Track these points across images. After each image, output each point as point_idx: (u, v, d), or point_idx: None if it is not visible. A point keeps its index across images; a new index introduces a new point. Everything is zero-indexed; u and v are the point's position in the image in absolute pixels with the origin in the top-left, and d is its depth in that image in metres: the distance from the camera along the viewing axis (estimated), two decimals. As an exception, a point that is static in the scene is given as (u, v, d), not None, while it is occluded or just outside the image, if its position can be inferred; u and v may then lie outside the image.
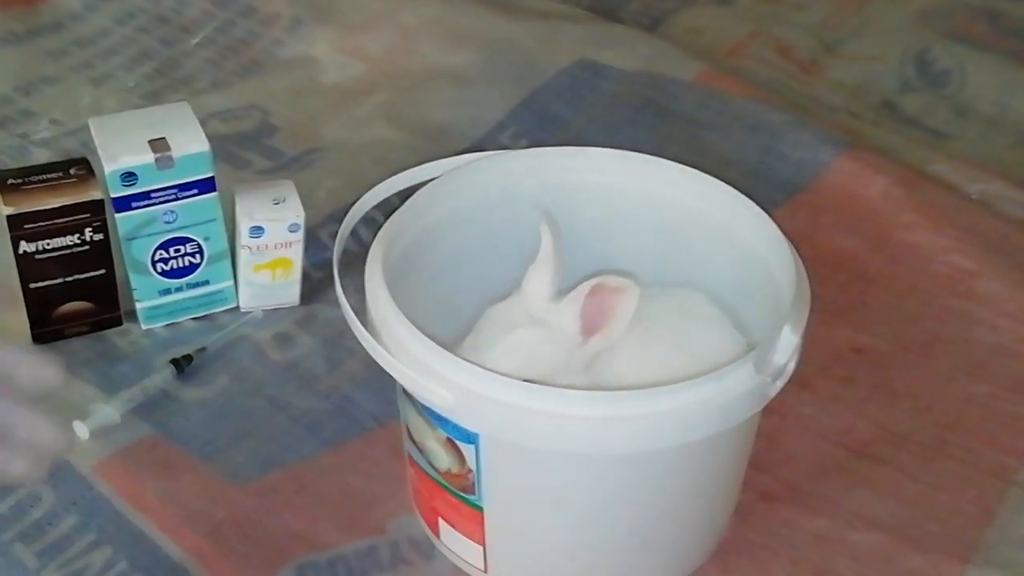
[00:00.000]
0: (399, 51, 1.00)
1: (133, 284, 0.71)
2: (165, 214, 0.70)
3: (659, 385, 0.49)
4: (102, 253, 0.70)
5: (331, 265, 0.56)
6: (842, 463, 0.66)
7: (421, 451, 0.56)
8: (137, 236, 0.70)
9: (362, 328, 0.53)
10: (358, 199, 0.59)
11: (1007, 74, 1.01)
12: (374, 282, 0.55)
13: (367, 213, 0.60)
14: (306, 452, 0.65)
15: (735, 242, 0.61)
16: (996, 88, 0.99)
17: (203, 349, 0.71)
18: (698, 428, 0.51)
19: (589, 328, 0.54)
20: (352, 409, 0.68)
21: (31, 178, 0.68)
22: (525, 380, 0.50)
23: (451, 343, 0.53)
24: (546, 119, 0.91)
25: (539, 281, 0.55)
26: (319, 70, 0.99)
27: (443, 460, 0.55)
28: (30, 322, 0.70)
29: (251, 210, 0.71)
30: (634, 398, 0.50)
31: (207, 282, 0.73)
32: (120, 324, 0.73)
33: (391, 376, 0.53)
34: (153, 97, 0.94)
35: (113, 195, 0.68)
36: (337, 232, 0.58)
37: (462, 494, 0.55)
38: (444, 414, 0.52)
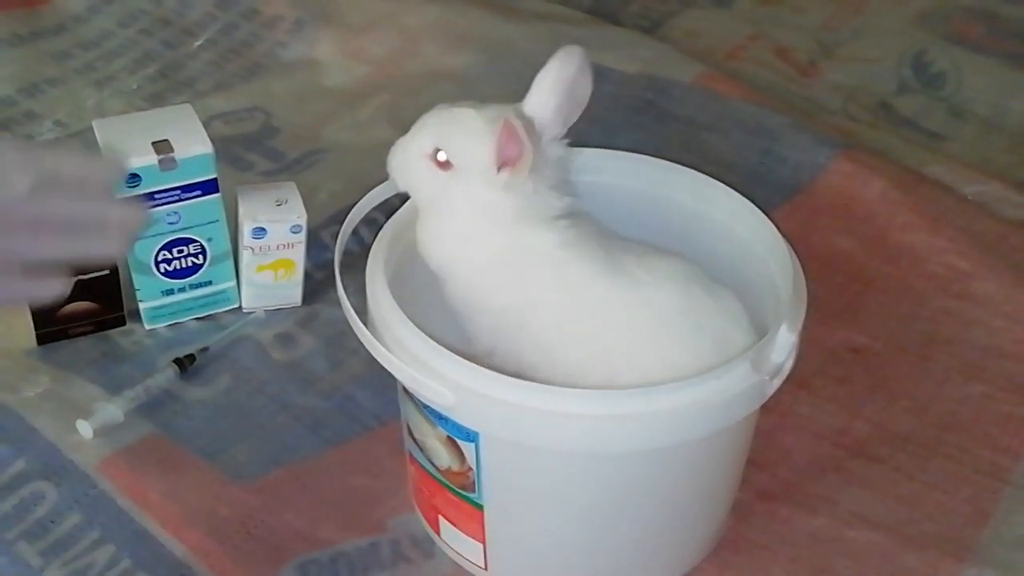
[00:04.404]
0: (401, 53, 1.01)
1: (136, 284, 0.72)
2: (168, 215, 0.70)
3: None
4: (106, 254, 0.70)
5: (333, 265, 0.57)
6: (839, 462, 0.66)
7: (422, 449, 0.56)
8: (140, 237, 0.70)
9: (363, 328, 0.54)
10: (359, 200, 0.60)
11: (1004, 76, 1.01)
12: (375, 282, 0.56)
13: (368, 214, 0.60)
14: (308, 451, 0.66)
15: (734, 242, 0.61)
16: (993, 90, 0.99)
17: (206, 349, 0.71)
18: (696, 426, 0.51)
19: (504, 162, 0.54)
20: (353, 408, 0.69)
21: (35, 179, 0.69)
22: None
23: (451, 343, 0.54)
24: (546, 121, 0.91)
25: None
26: (321, 72, 0.99)
27: (444, 458, 0.55)
28: (34, 322, 0.71)
29: (253, 211, 0.71)
30: (633, 396, 0.50)
31: (210, 282, 0.74)
32: (124, 324, 0.73)
33: (392, 375, 0.53)
34: (156, 99, 0.95)
35: (117, 196, 0.69)
36: (338, 233, 0.58)
37: (462, 492, 0.56)
38: (445, 413, 0.53)
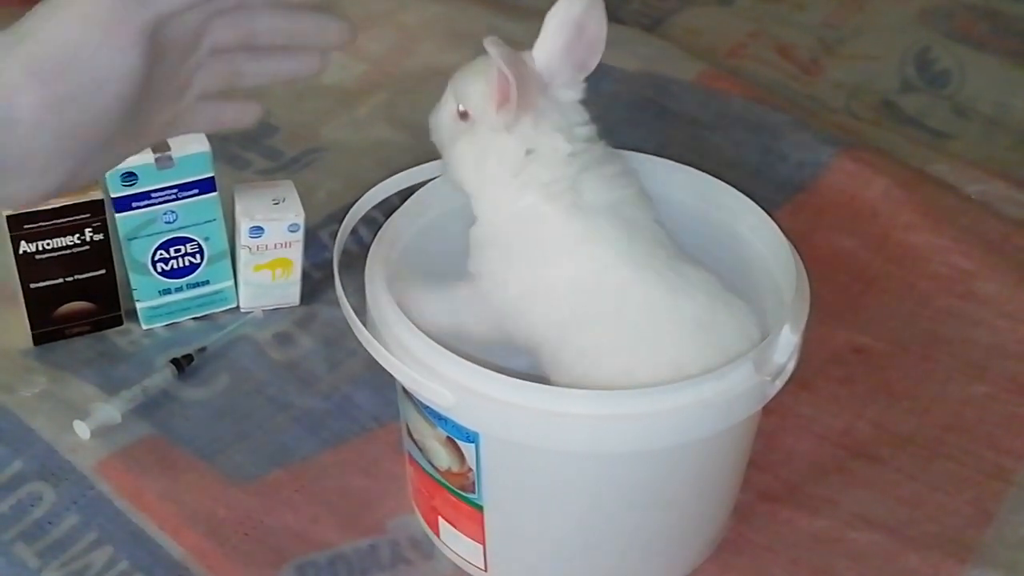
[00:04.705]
0: (399, 51, 1.00)
1: (133, 284, 0.72)
2: (165, 214, 0.70)
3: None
4: (102, 253, 0.70)
5: (331, 265, 0.56)
6: (841, 463, 0.66)
7: (421, 450, 0.56)
8: (137, 236, 0.70)
9: (362, 328, 0.53)
10: (358, 199, 0.59)
11: (1007, 74, 1.01)
12: (374, 282, 0.55)
13: (367, 213, 0.60)
14: (306, 451, 0.66)
15: (735, 242, 0.61)
16: (996, 88, 0.99)
17: (203, 349, 0.71)
18: (698, 427, 0.51)
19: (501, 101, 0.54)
20: (352, 409, 0.68)
21: (32, 178, 0.69)
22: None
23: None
24: (546, 119, 0.91)
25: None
26: (319, 70, 0.99)
27: (443, 459, 0.55)
28: (30, 322, 0.70)
29: (251, 210, 0.71)
30: (634, 397, 0.50)
31: (207, 282, 0.73)
32: (120, 324, 0.73)
33: (391, 376, 0.53)
34: (154, 97, 0.94)
35: (113, 195, 0.68)
36: (337, 232, 0.58)
37: (462, 493, 0.55)
38: (444, 413, 0.52)
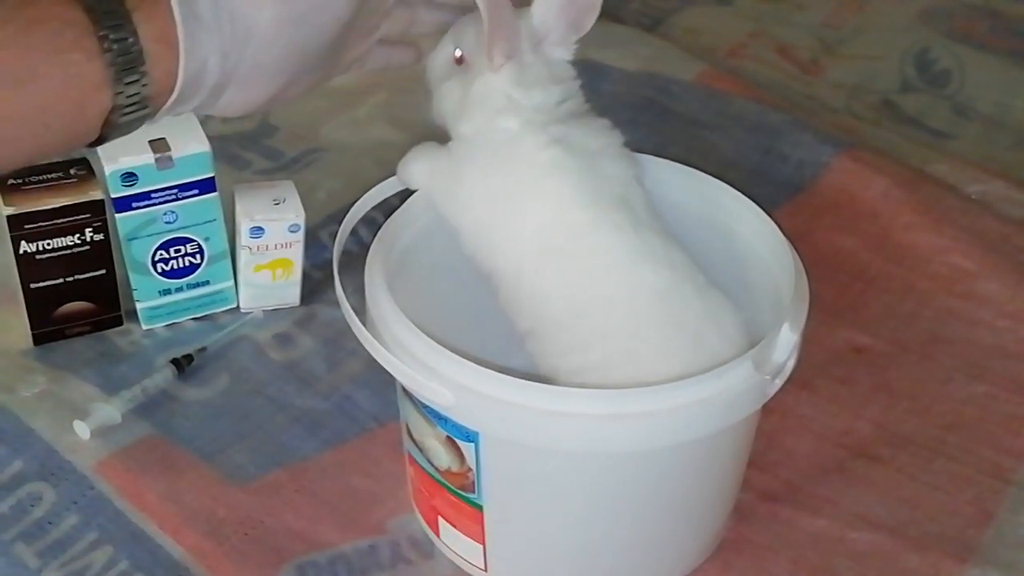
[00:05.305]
0: (399, 51, 1.00)
1: (133, 284, 0.72)
2: (165, 214, 0.70)
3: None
4: (102, 253, 0.70)
5: (331, 265, 0.56)
6: (841, 463, 0.66)
7: (421, 450, 0.56)
8: (137, 236, 0.70)
9: (362, 327, 0.53)
10: (358, 199, 0.59)
11: (1007, 74, 1.01)
12: (374, 282, 0.55)
13: (367, 213, 0.60)
14: (306, 452, 0.66)
15: (735, 242, 0.61)
16: (996, 88, 0.99)
17: (203, 349, 0.71)
18: (698, 426, 0.51)
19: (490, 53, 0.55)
20: (352, 409, 0.68)
21: (31, 178, 0.68)
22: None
23: (451, 342, 0.53)
24: (546, 119, 0.91)
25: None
26: (319, 70, 0.99)
27: (443, 459, 0.55)
28: (30, 322, 0.70)
29: (251, 210, 0.71)
30: (634, 396, 0.50)
31: (207, 282, 0.73)
32: (121, 324, 0.73)
33: (391, 376, 0.53)
34: (154, 97, 0.94)
35: (113, 195, 0.68)
36: (337, 232, 0.58)
37: (462, 493, 0.55)
38: (444, 412, 0.52)
